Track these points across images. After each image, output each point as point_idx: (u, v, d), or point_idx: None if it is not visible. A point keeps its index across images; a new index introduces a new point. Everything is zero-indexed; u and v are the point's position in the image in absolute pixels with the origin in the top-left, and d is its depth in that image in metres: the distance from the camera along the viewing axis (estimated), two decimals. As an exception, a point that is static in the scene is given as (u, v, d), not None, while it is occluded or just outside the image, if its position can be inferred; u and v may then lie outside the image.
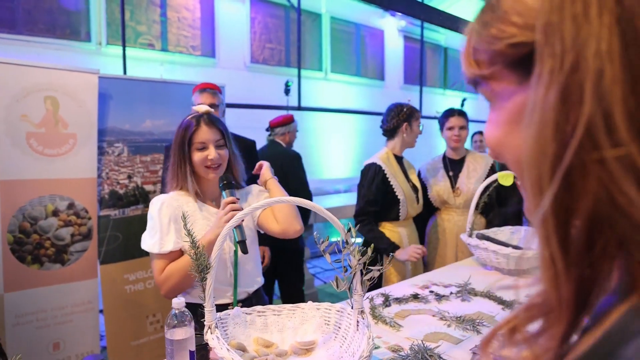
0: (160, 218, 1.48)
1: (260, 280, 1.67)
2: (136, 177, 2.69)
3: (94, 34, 4.67)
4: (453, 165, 2.72)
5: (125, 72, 3.75)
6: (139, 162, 2.70)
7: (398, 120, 2.49)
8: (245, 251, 1.37)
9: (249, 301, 1.59)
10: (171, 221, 1.48)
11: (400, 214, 2.49)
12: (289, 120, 3.49)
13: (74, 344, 2.43)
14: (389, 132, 2.55)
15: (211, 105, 2.42)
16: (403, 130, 2.49)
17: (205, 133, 1.50)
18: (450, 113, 2.66)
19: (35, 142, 2.28)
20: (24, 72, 2.24)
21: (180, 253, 1.50)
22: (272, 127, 3.47)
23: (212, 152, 1.49)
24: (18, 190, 2.23)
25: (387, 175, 2.46)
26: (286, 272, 3.41)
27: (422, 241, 2.76)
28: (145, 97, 2.71)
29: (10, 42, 4.08)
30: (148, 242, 1.49)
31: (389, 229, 2.49)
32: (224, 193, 1.48)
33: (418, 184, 2.63)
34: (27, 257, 2.27)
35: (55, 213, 2.36)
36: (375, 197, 2.42)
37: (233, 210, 1.40)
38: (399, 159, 2.57)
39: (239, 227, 1.36)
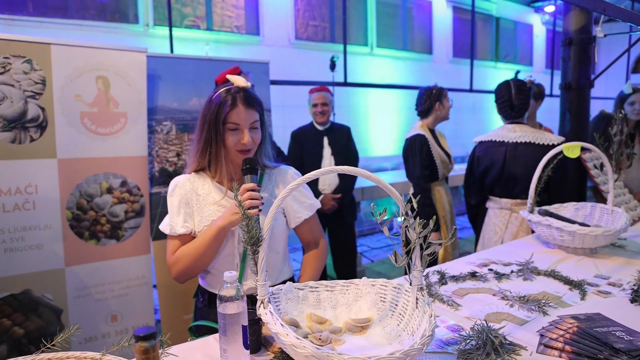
0: (171, 200, 1.45)
1: (287, 273, 1.56)
2: (185, 155, 2.71)
3: (141, 16, 4.73)
4: None
5: (172, 52, 3.78)
6: (187, 140, 2.72)
7: (431, 101, 3.00)
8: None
9: None
10: (181, 204, 1.43)
11: (439, 175, 3.02)
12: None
13: (131, 316, 2.52)
14: (424, 112, 3.07)
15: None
16: (437, 108, 3.02)
17: (241, 114, 1.34)
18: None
19: (88, 122, 2.33)
20: (76, 52, 2.27)
21: (191, 237, 1.45)
22: None
23: (245, 137, 1.35)
24: (74, 169, 2.30)
25: (430, 143, 2.96)
26: (339, 249, 3.49)
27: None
28: (191, 76, 2.71)
29: (63, 26, 4.20)
30: (164, 222, 1.48)
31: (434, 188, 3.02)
32: (245, 178, 1.32)
33: (449, 150, 3.14)
34: (85, 232, 2.35)
35: (109, 190, 2.41)
36: (428, 162, 2.91)
37: (251, 199, 1.25)
38: (431, 131, 3.08)
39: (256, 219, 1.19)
